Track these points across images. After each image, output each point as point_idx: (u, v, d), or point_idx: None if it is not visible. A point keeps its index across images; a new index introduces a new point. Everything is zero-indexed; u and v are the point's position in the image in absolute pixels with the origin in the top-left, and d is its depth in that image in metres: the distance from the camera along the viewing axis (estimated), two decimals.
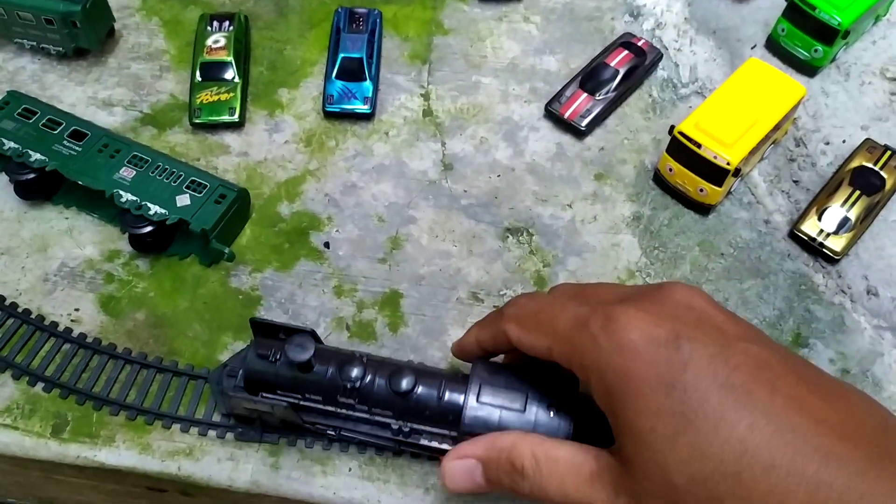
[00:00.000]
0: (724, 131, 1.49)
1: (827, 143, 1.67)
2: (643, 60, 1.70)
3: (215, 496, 1.28)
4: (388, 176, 1.52)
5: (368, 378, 1.10)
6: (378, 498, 1.27)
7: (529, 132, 1.61)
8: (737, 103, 1.52)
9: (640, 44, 1.72)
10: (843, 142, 1.68)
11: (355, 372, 1.10)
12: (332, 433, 1.20)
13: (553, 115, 1.61)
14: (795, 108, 1.60)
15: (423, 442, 1.21)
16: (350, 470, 1.28)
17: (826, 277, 1.52)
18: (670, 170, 1.52)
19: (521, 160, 1.57)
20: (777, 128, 1.56)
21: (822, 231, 1.53)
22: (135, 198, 1.29)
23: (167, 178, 1.33)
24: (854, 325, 1.48)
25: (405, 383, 1.08)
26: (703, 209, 1.56)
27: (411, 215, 1.49)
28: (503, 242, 1.48)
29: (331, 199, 1.49)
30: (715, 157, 1.49)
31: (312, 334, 1.16)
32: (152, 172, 1.33)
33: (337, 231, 1.46)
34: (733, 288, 1.49)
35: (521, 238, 1.49)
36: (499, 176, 1.55)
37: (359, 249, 1.45)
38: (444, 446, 1.20)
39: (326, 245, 1.44)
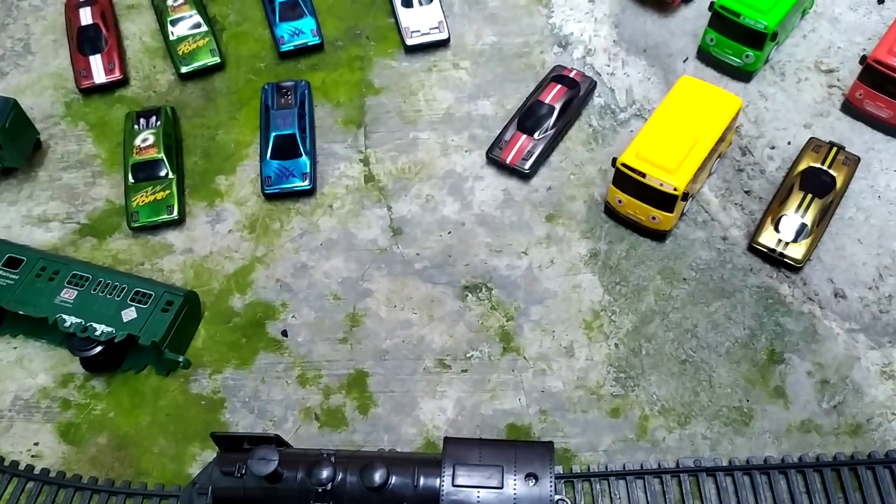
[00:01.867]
0: (666, 157, 1.48)
1: (772, 148, 1.66)
2: (577, 91, 1.69)
3: None
4: (338, 250, 1.50)
5: (339, 477, 1.06)
6: None
7: (474, 182, 1.60)
8: (675, 125, 1.51)
9: (572, 75, 1.71)
10: (789, 143, 1.68)
11: (325, 474, 1.06)
12: None
13: (495, 161, 1.59)
14: (735, 119, 1.59)
15: None
16: None
17: (792, 287, 1.51)
18: (619, 201, 1.50)
19: (470, 213, 1.56)
20: (720, 141, 1.55)
21: (780, 241, 1.52)
22: (79, 320, 1.26)
23: (110, 294, 1.30)
24: (826, 333, 1.47)
25: (378, 477, 1.05)
26: (658, 236, 1.54)
27: (366, 288, 1.47)
28: (463, 302, 1.46)
29: (282, 284, 1.46)
30: (661, 185, 1.47)
31: (277, 440, 1.12)
32: (94, 290, 1.30)
33: (293, 317, 1.43)
34: (701, 312, 1.47)
35: (480, 295, 1.47)
36: (449, 233, 1.53)
37: (318, 332, 1.42)
38: None
39: (284, 333, 1.41)
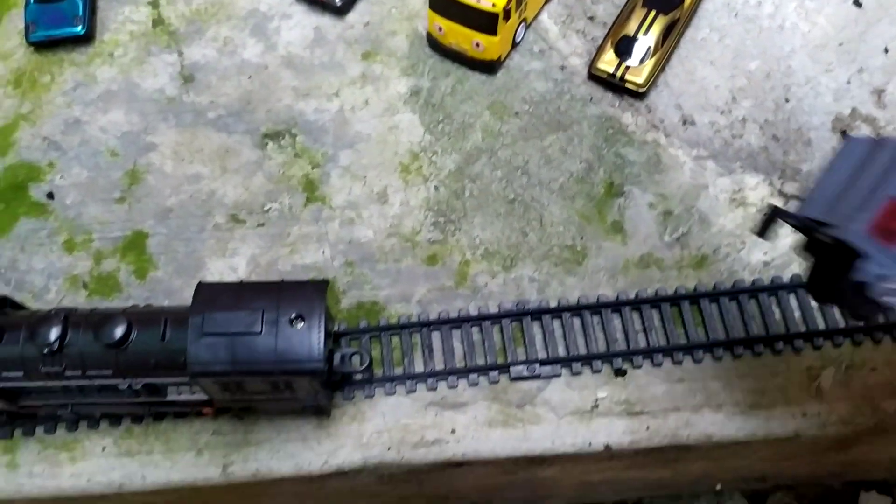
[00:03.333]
0: None
1: None
2: None
3: None
4: (118, 102, 1.30)
5: (71, 336, 0.89)
6: (142, 473, 1.07)
7: (281, 21, 1.39)
8: None
9: None
10: None
11: (53, 333, 0.89)
12: (65, 412, 1.00)
13: None
14: None
15: (173, 397, 1.01)
16: (104, 449, 1.07)
17: (635, 115, 1.35)
18: (440, 29, 1.32)
19: (275, 54, 1.36)
20: None
21: (620, 64, 1.36)
22: None
23: None
24: (672, 162, 1.32)
25: (118, 331, 0.88)
26: (487, 67, 1.36)
27: (150, 142, 1.27)
28: (262, 151, 1.28)
29: (50, 142, 1.26)
30: (479, 2, 1.29)
31: (4, 300, 0.95)
32: None
33: (61, 177, 1.24)
34: (533, 147, 1.31)
35: (282, 142, 1.29)
36: (249, 77, 1.34)
37: (90, 193, 1.23)
38: (199, 396, 1.00)
39: (50, 196, 1.22)
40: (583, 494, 1.36)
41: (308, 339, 0.85)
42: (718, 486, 1.44)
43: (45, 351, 0.85)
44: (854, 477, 1.54)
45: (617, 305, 1.20)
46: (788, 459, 1.27)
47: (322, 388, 0.93)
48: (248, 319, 0.86)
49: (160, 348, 0.88)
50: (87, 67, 1.25)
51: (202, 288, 0.88)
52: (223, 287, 0.88)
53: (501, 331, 1.18)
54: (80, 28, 1.27)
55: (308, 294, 0.88)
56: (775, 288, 1.23)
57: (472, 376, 1.13)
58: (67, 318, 0.88)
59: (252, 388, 0.91)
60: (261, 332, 0.84)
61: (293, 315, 0.86)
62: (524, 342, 1.17)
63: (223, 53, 1.27)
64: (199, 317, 0.85)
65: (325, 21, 1.36)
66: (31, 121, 1.19)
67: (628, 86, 1.31)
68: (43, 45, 1.24)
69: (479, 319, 1.18)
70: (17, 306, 0.94)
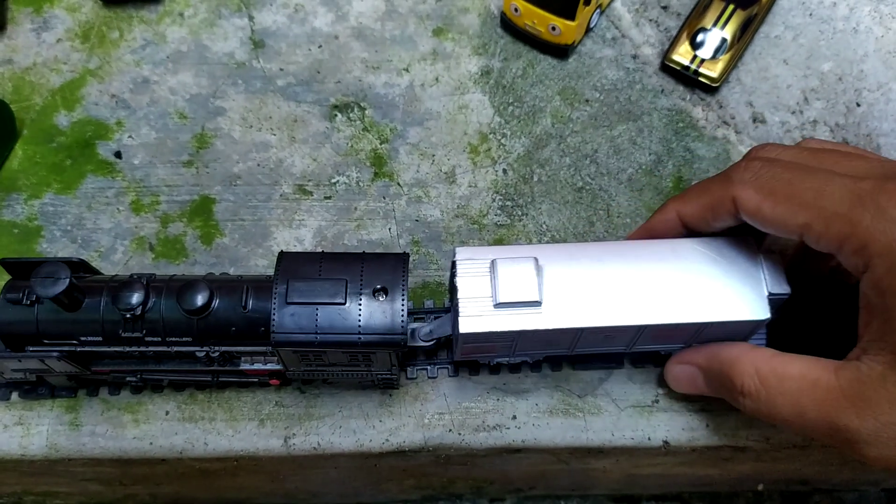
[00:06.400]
0: None
1: None
2: None
3: (10, 470, 1.08)
4: (187, 64, 1.28)
5: (153, 302, 0.89)
6: (204, 439, 1.08)
7: None
8: None
9: None
10: None
11: (135, 298, 0.88)
12: (134, 379, 1.00)
13: None
14: None
15: (246, 366, 1.01)
16: (168, 413, 1.07)
17: (706, 110, 1.34)
18: (516, 10, 1.30)
19: (346, 25, 1.34)
20: None
21: (695, 57, 1.34)
22: None
23: None
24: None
25: (200, 298, 0.87)
26: (560, 52, 1.35)
27: (219, 106, 1.26)
28: (331, 122, 1.26)
29: (119, 100, 1.25)
30: None
31: (80, 264, 0.94)
32: None
33: (130, 137, 1.22)
34: (603, 136, 1.30)
35: (351, 115, 1.27)
36: (320, 47, 1.32)
37: (158, 154, 1.22)
38: (271, 366, 1.00)
39: (118, 155, 1.21)
40: (627, 486, 1.36)
41: (391, 311, 0.85)
42: (760, 487, 1.44)
43: (128, 315, 0.85)
44: (890, 485, 1.54)
45: None
46: (837, 465, 1.27)
47: (397, 363, 0.94)
48: (332, 290, 0.85)
49: (241, 316, 0.87)
50: (157, 26, 1.23)
51: (285, 256, 0.88)
52: (306, 256, 0.88)
53: None
54: None
55: (390, 266, 0.87)
56: None
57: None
58: (149, 283, 0.87)
59: (331, 360, 0.91)
60: (345, 302, 0.84)
61: (377, 286, 0.85)
62: None
63: (294, 20, 1.25)
64: (283, 285, 0.84)
65: None
66: (99, 77, 1.18)
67: (702, 79, 1.29)
68: (112, 1, 1.23)
69: None
70: (93, 271, 0.93)
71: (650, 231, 1.00)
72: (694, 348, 0.96)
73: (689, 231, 0.95)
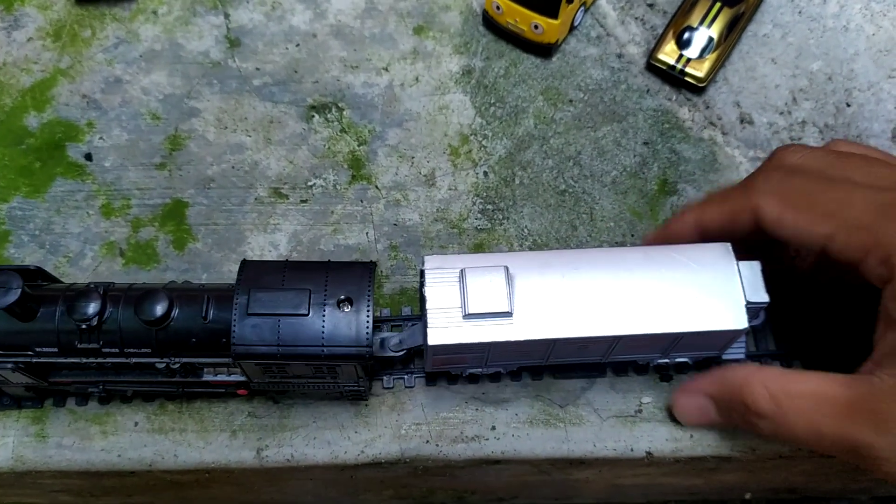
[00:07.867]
0: None
1: None
2: None
3: None
4: (161, 63, 1.25)
5: (110, 312, 0.86)
6: (174, 451, 1.04)
7: None
8: None
9: None
10: None
11: (91, 308, 0.85)
12: (96, 390, 0.97)
13: None
14: None
15: (209, 377, 0.98)
16: (136, 425, 1.04)
17: (692, 111, 1.31)
18: (498, 8, 1.28)
19: (324, 23, 1.31)
20: None
21: (682, 57, 1.31)
22: None
23: None
24: (728, 161, 1.28)
25: (159, 309, 0.84)
26: (543, 50, 1.32)
27: (193, 107, 1.22)
28: (307, 123, 1.23)
29: (90, 100, 1.21)
30: None
31: (37, 272, 0.91)
32: None
33: (101, 138, 1.19)
34: (586, 138, 1.27)
35: (328, 115, 1.24)
36: (297, 45, 1.29)
37: (129, 157, 1.19)
38: (236, 377, 0.97)
39: (88, 157, 1.18)
40: (610, 496, 1.34)
41: (356, 323, 0.81)
42: (748, 496, 1.41)
43: (83, 326, 0.82)
44: (882, 493, 1.52)
45: None
46: (826, 474, 1.24)
47: (364, 375, 0.91)
48: (294, 300, 0.82)
49: (202, 327, 0.84)
50: (130, 24, 1.20)
51: (247, 266, 0.84)
52: (269, 265, 0.85)
53: None
54: None
55: (356, 275, 0.84)
56: None
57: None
58: (106, 292, 0.84)
59: (294, 372, 0.88)
60: (308, 313, 0.81)
61: (341, 297, 0.82)
62: None
63: (271, 18, 1.22)
64: (244, 296, 0.81)
65: None
66: (70, 77, 1.14)
67: (688, 79, 1.26)
68: (87, 0, 1.19)
69: None
70: (51, 278, 0.90)
71: (667, 237, 0.98)
72: (699, 376, 0.94)
73: (706, 238, 0.92)
